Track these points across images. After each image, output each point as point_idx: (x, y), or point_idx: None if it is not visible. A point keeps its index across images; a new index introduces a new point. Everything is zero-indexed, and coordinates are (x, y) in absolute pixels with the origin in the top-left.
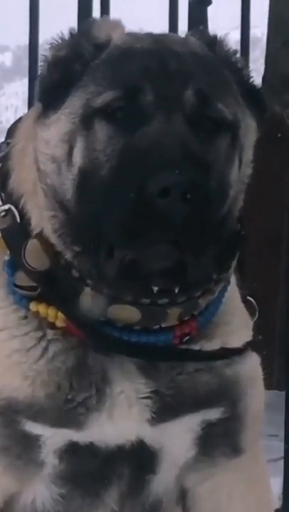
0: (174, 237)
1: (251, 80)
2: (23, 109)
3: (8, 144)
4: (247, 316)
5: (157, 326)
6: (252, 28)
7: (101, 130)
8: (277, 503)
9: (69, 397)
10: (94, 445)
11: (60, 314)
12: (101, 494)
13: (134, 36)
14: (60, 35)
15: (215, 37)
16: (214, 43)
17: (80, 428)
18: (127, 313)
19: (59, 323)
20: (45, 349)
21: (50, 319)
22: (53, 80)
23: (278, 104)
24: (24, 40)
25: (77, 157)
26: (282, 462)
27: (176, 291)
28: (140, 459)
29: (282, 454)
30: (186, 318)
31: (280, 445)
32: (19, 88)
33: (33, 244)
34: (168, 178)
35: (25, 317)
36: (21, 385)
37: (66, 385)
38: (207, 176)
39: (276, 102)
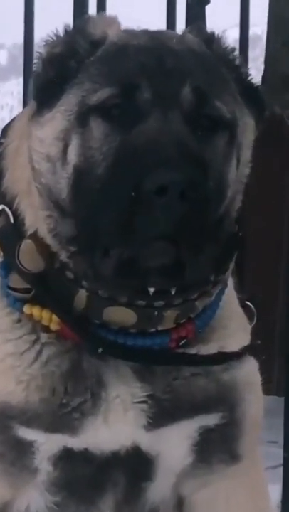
0: (171, 235)
1: (249, 77)
2: (18, 109)
3: (1, 143)
4: (245, 320)
5: (153, 329)
6: (252, 26)
7: (97, 128)
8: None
9: (64, 401)
10: (89, 451)
11: (54, 317)
12: (96, 502)
13: (130, 33)
14: (55, 32)
15: (212, 34)
16: (212, 40)
17: (75, 433)
18: (123, 315)
19: (53, 326)
20: (39, 353)
21: (44, 322)
22: (48, 77)
23: (278, 105)
24: (20, 38)
25: (73, 155)
26: (281, 469)
27: (173, 292)
28: (136, 465)
29: (281, 461)
30: (182, 321)
31: (279, 452)
32: (14, 87)
33: (27, 245)
34: (165, 176)
35: (19, 320)
36: (15, 389)
37: (61, 390)
38: (205, 174)
39: (276, 103)
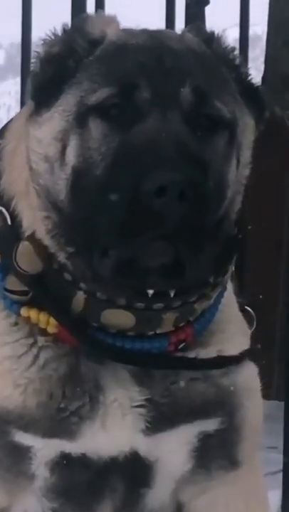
0: (171, 235)
1: (249, 77)
2: (16, 108)
3: None
4: (244, 324)
5: (152, 332)
6: (252, 26)
7: (95, 128)
8: None
9: (61, 405)
10: (86, 456)
11: (51, 320)
12: (94, 508)
13: (129, 32)
14: (53, 31)
15: (212, 33)
16: (211, 40)
17: (73, 438)
18: (121, 317)
19: (51, 329)
20: (36, 356)
21: (42, 325)
22: (46, 76)
23: (278, 105)
24: (18, 37)
25: (71, 156)
26: (280, 475)
27: (172, 295)
28: (134, 471)
29: (281, 467)
30: (181, 325)
31: (279, 457)
32: (12, 87)
33: (24, 246)
34: (164, 176)
35: (16, 323)
36: (12, 393)
37: (58, 394)
38: (204, 175)
39: (276, 103)
